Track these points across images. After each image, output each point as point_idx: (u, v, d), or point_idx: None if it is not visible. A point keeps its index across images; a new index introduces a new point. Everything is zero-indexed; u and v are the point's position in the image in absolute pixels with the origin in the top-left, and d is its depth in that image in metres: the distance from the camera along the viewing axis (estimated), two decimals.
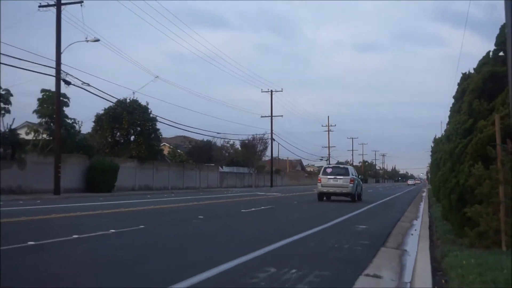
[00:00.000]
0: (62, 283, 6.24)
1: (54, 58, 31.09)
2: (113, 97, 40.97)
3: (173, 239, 10.84)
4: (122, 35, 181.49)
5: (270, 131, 72.52)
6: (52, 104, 33.79)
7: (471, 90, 10.77)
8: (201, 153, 62.81)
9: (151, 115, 45.48)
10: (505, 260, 6.79)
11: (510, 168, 8.33)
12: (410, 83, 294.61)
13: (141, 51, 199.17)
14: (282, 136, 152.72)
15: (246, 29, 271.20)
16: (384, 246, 10.28)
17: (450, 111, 14.82)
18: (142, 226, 12.63)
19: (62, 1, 31.72)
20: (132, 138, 45.87)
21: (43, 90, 35.92)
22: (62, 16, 31.60)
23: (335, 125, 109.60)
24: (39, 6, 31.92)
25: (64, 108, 35.89)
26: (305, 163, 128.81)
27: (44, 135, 36.87)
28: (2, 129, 32.30)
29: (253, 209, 20.90)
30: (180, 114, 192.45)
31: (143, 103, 45.51)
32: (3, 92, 32.63)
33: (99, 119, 44.95)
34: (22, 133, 36.29)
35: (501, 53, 10.95)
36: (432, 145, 30.60)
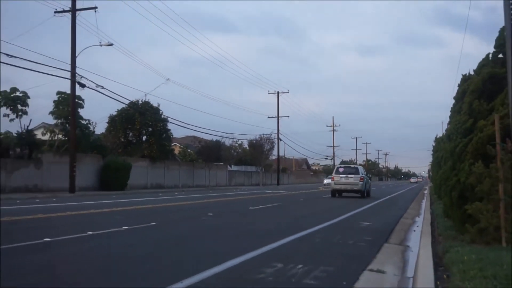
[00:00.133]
0: (75, 278, 6.26)
1: (69, 61, 31.21)
2: (125, 98, 41.33)
3: (183, 235, 10.84)
4: (134, 39, 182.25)
5: (277, 131, 72.51)
6: (68, 105, 33.93)
7: (471, 91, 10.73)
8: (210, 153, 62.88)
9: (162, 116, 45.58)
10: (505, 255, 6.76)
11: (510, 167, 8.29)
12: (411, 84, 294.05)
13: (152, 55, 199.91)
14: (289, 136, 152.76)
15: (253, 33, 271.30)
16: (387, 242, 10.26)
17: (450, 111, 14.74)
18: (154, 223, 12.65)
19: (77, 7, 31.85)
20: (144, 138, 45.96)
21: (59, 92, 36.07)
22: (77, 21, 31.74)
23: (339, 125, 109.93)
24: (55, 12, 32.10)
25: (79, 110, 35.99)
26: (310, 162, 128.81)
27: (60, 136, 37.01)
28: (20, 130, 32.51)
29: (260, 206, 20.90)
30: (190, 115, 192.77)
31: (155, 104, 45.71)
32: (20, 95, 32.83)
33: (113, 120, 45.10)
34: (39, 134, 36.53)
35: (500, 55, 10.90)
36: (434, 144, 30.47)
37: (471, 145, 9.60)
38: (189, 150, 60.11)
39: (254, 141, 72.71)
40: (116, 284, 5.91)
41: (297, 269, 6.77)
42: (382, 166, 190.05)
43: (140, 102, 44.64)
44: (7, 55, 25.71)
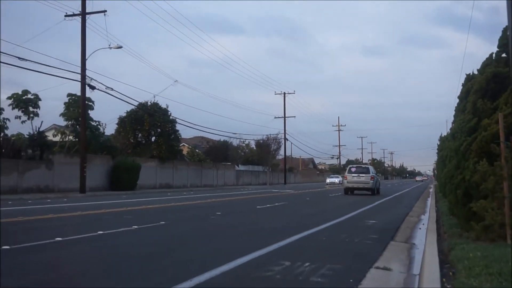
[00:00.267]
0: (86, 276, 6.29)
1: (79, 64, 31.34)
2: (135, 100, 41.34)
3: (192, 234, 10.87)
4: (143, 42, 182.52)
5: (283, 131, 72.51)
6: (78, 107, 34.04)
7: (475, 90, 10.68)
8: (218, 153, 62.98)
9: (170, 117, 45.70)
10: (510, 252, 6.73)
11: None
12: (415, 84, 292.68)
13: (161, 57, 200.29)
14: (295, 136, 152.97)
15: (259, 34, 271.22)
16: (393, 240, 10.23)
17: (455, 110, 14.68)
18: (163, 223, 12.68)
19: (87, 11, 31.96)
20: (153, 139, 46.07)
21: (69, 95, 36.22)
22: (87, 24, 31.85)
23: (345, 125, 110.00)
24: (65, 16, 32.20)
25: (89, 111, 36.14)
26: (316, 161, 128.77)
27: (70, 137, 37.16)
28: (31, 132, 32.67)
29: (268, 205, 20.90)
30: (198, 116, 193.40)
31: (163, 106, 45.88)
32: (32, 97, 32.99)
33: (122, 121, 45.24)
34: (50, 135, 36.64)
35: (503, 55, 10.85)
36: (438, 143, 30.40)
37: (475, 143, 9.56)
38: (197, 150, 60.21)
39: (261, 141, 72.83)
40: (126, 282, 5.92)
41: (304, 267, 6.77)
42: (387, 165, 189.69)
43: (149, 103, 44.80)
44: (19, 58, 25.88)
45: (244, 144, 73.96)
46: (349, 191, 33.66)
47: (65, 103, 36.22)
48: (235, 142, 68.81)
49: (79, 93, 32.80)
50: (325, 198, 28.56)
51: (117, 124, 45.60)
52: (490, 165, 8.60)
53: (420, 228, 12.82)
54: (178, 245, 9.10)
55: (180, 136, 48.78)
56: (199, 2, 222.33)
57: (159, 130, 45.24)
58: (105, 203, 20.84)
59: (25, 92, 32.93)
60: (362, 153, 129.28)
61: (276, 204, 21.99)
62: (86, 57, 31.52)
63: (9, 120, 33.19)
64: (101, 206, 18.98)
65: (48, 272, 6.44)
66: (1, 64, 25.46)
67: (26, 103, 32.68)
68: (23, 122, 32.85)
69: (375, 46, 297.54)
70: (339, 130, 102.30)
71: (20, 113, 32.69)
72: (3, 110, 32.70)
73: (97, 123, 38.14)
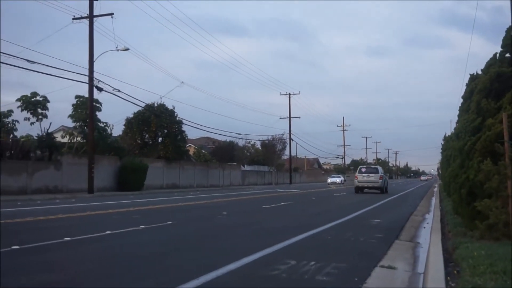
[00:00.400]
0: (96, 274, 6.31)
1: (87, 66, 31.41)
2: (141, 101, 41.56)
3: (199, 234, 10.88)
4: (150, 44, 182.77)
5: (288, 132, 72.48)
6: (86, 109, 34.14)
7: (479, 90, 10.65)
8: (224, 153, 63.02)
9: (177, 118, 45.74)
10: None
11: None
12: (418, 85, 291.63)
13: (167, 59, 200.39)
14: (300, 136, 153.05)
15: (264, 36, 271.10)
16: (398, 239, 10.21)
17: (459, 110, 14.65)
18: (170, 222, 12.70)
19: (94, 14, 32.05)
20: (159, 139, 46.12)
21: (77, 96, 36.33)
22: (94, 27, 31.94)
23: (349, 125, 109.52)
24: (73, 19, 32.28)
25: (97, 113, 36.24)
26: (322, 161, 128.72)
27: (79, 138, 37.27)
28: (40, 133, 32.81)
29: (273, 205, 20.90)
30: (204, 116, 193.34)
31: (170, 107, 45.92)
32: (41, 99, 33.14)
33: (129, 122, 45.32)
34: (58, 137, 36.79)
35: (507, 55, 10.82)
36: (442, 142, 30.29)
37: (479, 143, 9.53)
38: (203, 151, 60.33)
39: (267, 141, 72.79)
40: (135, 280, 5.94)
41: (310, 265, 6.77)
42: (392, 165, 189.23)
43: (155, 104, 44.87)
44: (28, 60, 26.00)
45: (249, 145, 74.05)
46: (359, 190, 34.95)
47: (73, 105, 36.34)
48: (240, 143, 68.90)
49: (87, 95, 32.88)
50: (330, 198, 28.54)
51: (124, 125, 45.68)
52: (494, 164, 8.57)
53: (424, 227, 12.78)
54: (185, 245, 9.12)
55: (187, 136, 48.83)
56: (204, 4, 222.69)
57: (165, 131, 45.29)
58: (113, 203, 20.89)
59: (34, 94, 33.10)
60: (366, 153, 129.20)
61: (282, 203, 21.98)
62: (94, 59, 31.61)
63: (18, 122, 33.53)
64: (109, 206, 19.03)
65: (57, 271, 6.46)
66: (9, 66, 25.59)
67: (34, 105, 32.85)
68: (32, 123, 33.08)
69: (379, 47, 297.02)
70: (343, 130, 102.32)
71: (29, 115, 32.92)
72: (12, 112, 32.96)
73: (104, 124, 38.28)
